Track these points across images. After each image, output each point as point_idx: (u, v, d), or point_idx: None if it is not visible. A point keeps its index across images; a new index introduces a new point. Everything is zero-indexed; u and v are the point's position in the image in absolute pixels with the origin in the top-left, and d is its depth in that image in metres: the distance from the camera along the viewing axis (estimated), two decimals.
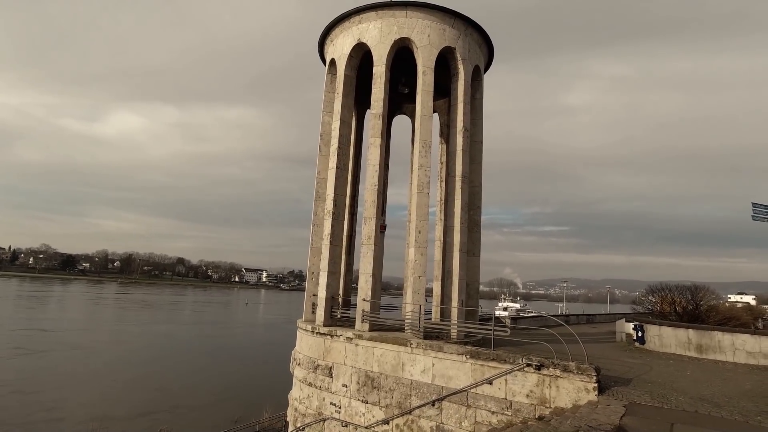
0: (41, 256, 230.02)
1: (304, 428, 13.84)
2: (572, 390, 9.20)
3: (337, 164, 15.46)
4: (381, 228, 19.63)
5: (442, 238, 16.68)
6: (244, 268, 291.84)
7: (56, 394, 33.67)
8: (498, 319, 29.77)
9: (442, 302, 15.10)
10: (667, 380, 11.04)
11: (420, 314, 12.99)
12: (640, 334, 17.81)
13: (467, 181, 15.40)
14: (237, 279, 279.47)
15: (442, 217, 16.75)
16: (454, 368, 11.00)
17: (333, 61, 17.09)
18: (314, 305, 15.30)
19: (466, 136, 15.46)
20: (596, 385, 8.97)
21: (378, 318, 14.09)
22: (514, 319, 31.59)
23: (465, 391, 10.64)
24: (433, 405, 11.08)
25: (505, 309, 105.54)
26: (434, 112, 20.30)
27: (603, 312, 48.47)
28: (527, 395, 9.74)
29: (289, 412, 15.29)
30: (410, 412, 11.47)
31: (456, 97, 15.75)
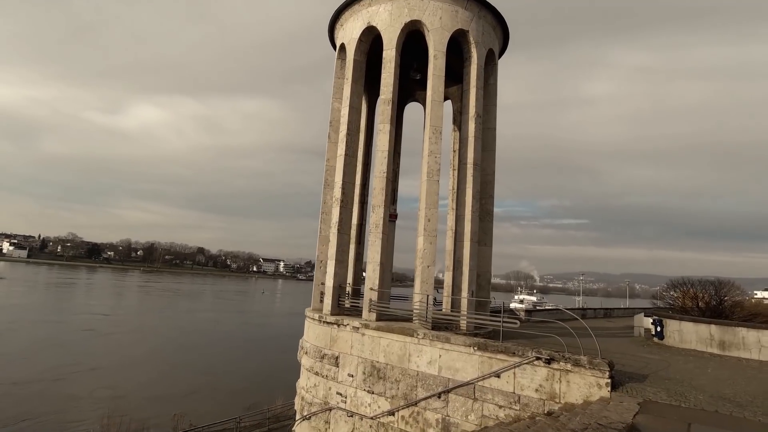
0: (68, 244, 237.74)
1: (310, 417, 13.77)
2: (583, 385, 8.79)
3: (345, 151, 15.16)
4: (391, 217, 19.35)
5: (453, 228, 16.27)
6: (262, 258, 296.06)
7: (118, 374, 36.74)
8: (511, 310, 29.37)
9: (453, 293, 14.74)
10: (686, 377, 10.51)
11: (427, 304, 12.68)
12: (659, 329, 17.16)
13: (479, 169, 14.93)
14: (255, 269, 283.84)
15: (454, 207, 16.33)
16: (461, 360, 10.69)
17: (343, 46, 16.73)
18: (322, 294, 15.15)
19: (479, 123, 14.95)
20: (609, 380, 8.55)
21: (386, 308, 13.86)
22: (528, 312, 31.04)
23: (472, 383, 10.33)
24: (439, 397, 10.81)
25: (522, 302, 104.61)
26: (447, 98, 19.89)
27: (622, 306, 47.35)
28: (536, 390, 9.38)
29: (297, 400, 15.25)
30: (416, 403, 11.23)
31: (468, 82, 15.23)
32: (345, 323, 13.43)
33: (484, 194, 16.03)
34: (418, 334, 11.60)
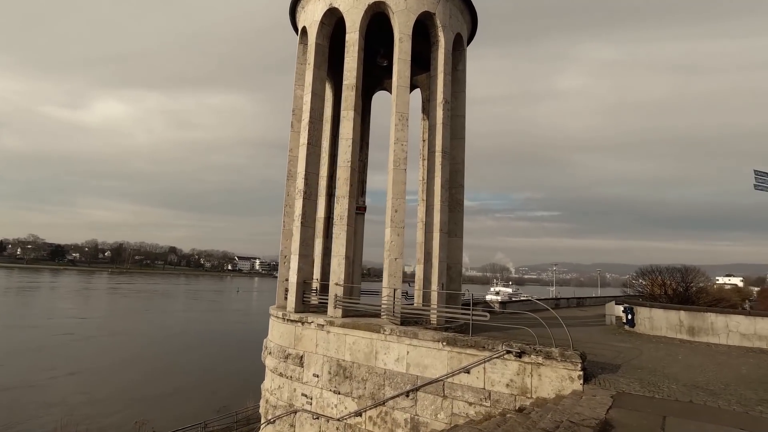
0: (29, 246, 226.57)
1: (274, 421, 13.02)
2: (555, 379, 8.38)
3: (308, 140, 14.37)
4: (359, 209, 18.62)
5: (424, 219, 15.73)
6: (237, 257, 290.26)
7: (95, 378, 35.18)
8: (484, 302, 29.23)
9: (424, 286, 14.20)
10: (658, 366, 10.29)
11: (394, 299, 12.09)
12: (629, 316, 17.13)
13: (448, 158, 14.40)
14: (230, 267, 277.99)
15: (424, 197, 15.78)
16: (429, 356, 10.15)
17: (304, 30, 15.88)
18: (287, 291, 14.37)
19: (447, 109, 14.40)
20: (581, 373, 8.15)
21: (353, 303, 13.19)
22: (503, 303, 30.99)
23: (441, 380, 9.81)
24: (408, 396, 10.26)
25: (498, 294, 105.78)
26: (415, 87, 19.28)
27: (594, 295, 48.22)
28: (507, 385, 8.92)
29: (261, 403, 14.46)
30: (384, 403, 10.64)
31: (436, 68, 14.64)
32: (309, 321, 12.70)
33: (453, 183, 15.53)
34: (384, 330, 11.00)
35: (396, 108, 13.52)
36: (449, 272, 15.10)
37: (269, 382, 13.96)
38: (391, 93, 19.62)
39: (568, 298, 36.89)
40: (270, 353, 13.99)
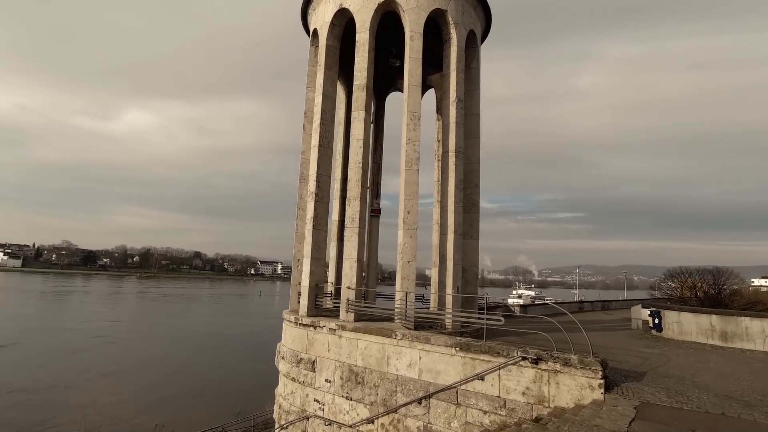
0: (63, 252, 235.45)
1: (287, 426, 12.87)
2: (574, 387, 7.92)
3: (319, 142, 14.24)
4: (373, 211, 18.45)
5: (438, 221, 15.38)
6: (260, 261, 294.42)
7: (126, 380, 36.10)
8: (506, 306, 28.55)
9: (439, 290, 13.84)
10: (688, 373, 9.66)
11: (406, 302, 11.78)
12: (656, 320, 16.34)
13: (462, 157, 14.03)
14: (252, 271, 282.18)
15: (439, 198, 15.44)
16: (442, 362, 9.81)
17: (315, 32, 15.81)
18: (299, 294, 14.24)
19: (460, 107, 14.04)
20: (602, 381, 7.68)
21: (366, 307, 12.94)
22: (524, 307, 30.23)
23: (454, 387, 9.45)
24: (420, 403, 9.93)
25: (520, 297, 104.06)
26: (430, 87, 19.02)
27: (620, 299, 46.64)
28: (523, 393, 8.50)
29: (275, 408, 14.35)
30: (396, 410, 10.34)
31: (448, 66, 14.32)
32: (321, 325, 12.52)
33: (469, 184, 15.15)
34: (396, 335, 10.71)
35: (408, 107, 13.26)
36: (465, 275, 14.70)
37: (282, 387, 13.84)
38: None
39: (592, 302, 35.74)
40: (283, 358, 13.87)
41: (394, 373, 10.62)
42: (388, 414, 10.48)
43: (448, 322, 12.42)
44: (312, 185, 14.08)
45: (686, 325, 15.44)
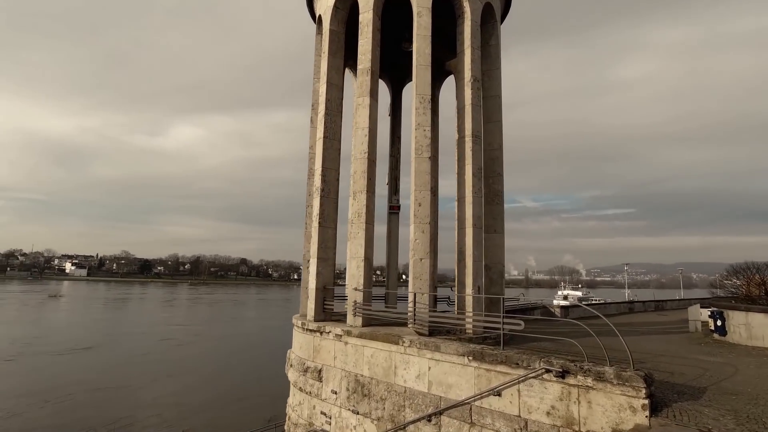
0: (122, 261, 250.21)
1: None
2: (610, 408, 6.39)
3: (325, 133, 13.29)
4: (392, 208, 17.27)
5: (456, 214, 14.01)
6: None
7: (186, 381, 37.18)
8: (546, 307, 26.42)
9: (458, 290, 12.47)
10: (762, 390, 7.78)
11: (415, 304, 10.53)
12: (719, 322, 14.10)
13: (480, 143, 12.60)
14: (296, 276, 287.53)
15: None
16: (453, 373, 8.48)
17: (320, 19, 14.90)
18: (307, 298, 13.30)
19: (476, 88, 12.64)
20: (646, 401, 6.11)
21: (379, 311, 11.79)
22: (565, 308, 27.94)
23: (467, 403, 8.10)
24: (430, 420, 8.64)
25: (566, 297, 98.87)
26: (450, 73, 17.63)
27: (676, 298, 42.71)
28: (548, 413, 7.03)
29: (286, 420, 13.45)
30: (404, 427, 9.10)
31: (462, 42, 12.98)
32: (327, 330, 11.49)
33: (490, 172, 13.69)
34: (403, 342, 9.48)
35: (416, 89, 12.04)
36: (488, 273, 13.24)
37: (291, 397, 12.92)
38: None
39: (644, 302, 32.68)
40: (291, 366, 12.97)
41: (402, 385, 9.39)
42: (396, 431, 9.25)
43: (469, 326, 11.04)
44: (317, 180, 13.13)
45: (757, 329, 13.15)
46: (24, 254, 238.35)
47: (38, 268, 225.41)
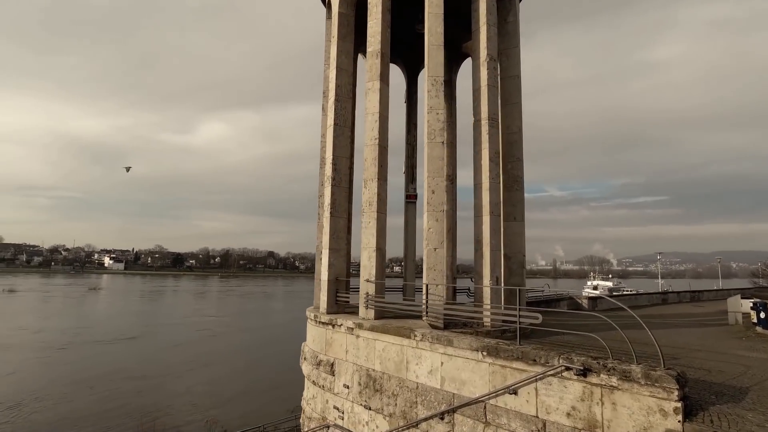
0: (156, 255, 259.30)
1: None
2: (638, 410, 5.78)
3: (335, 120, 12.87)
4: (409, 197, 16.78)
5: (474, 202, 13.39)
6: None
7: (219, 371, 37.90)
8: (572, 298, 25.39)
9: (475, 281, 11.92)
10: None
11: (427, 296, 10.07)
12: (763, 314, 13.02)
13: (496, 125, 11.92)
14: None
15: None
16: (467, 369, 7.99)
17: (329, 2, 14.43)
18: (320, 290, 13.02)
19: (492, 68, 11.93)
20: (679, 404, 5.47)
21: (390, 303, 11.38)
22: (593, 300, 26.82)
23: (482, 401, 7.61)
24: (443, 418, 8.20)
25: (596, 288, 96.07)
26: (467, 55, 16.89)
27: (714, 288, 40.55)
28: (568, 414, 6.47)
29: (302, 413, 13.29)
30: (417, 425, 8.70)
31: (477, 19, 12.25)
32: (339, 323, 11.17)
33: (509, 157, 12.99)
34: (415, 335, 9.04)
35: (429, 71, 11.46)
36: (508, 263, 12.62)
37: (306, 391, 12.73)
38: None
39: (678, 292, 31.07)
40: (305, 359, 12.76)
41: (414, 381, 8.98)
42: (408, 429, 8.87)
43: (486, 320, 10.49)
44: (328, 169, 12.76)
45: None
46: (67, 249, 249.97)
47: (80, 263, 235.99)
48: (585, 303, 23.87)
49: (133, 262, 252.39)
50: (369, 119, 11.84)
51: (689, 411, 5.63)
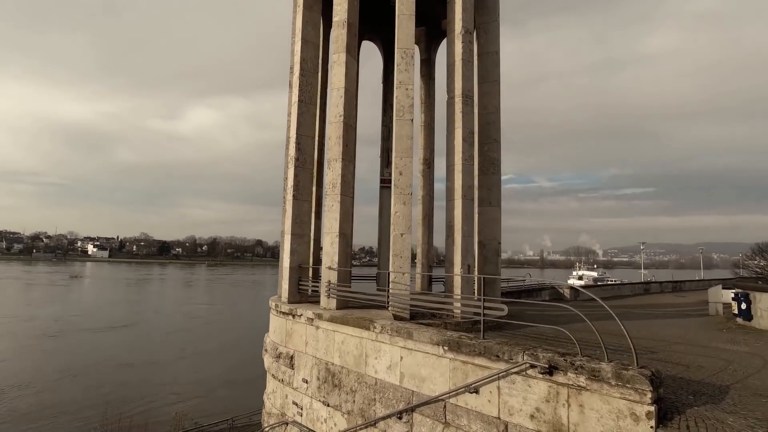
0: (142, 243, 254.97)
1: (267, 431, 11.01)
2: (607, 414, 5.12)
3: (300, 96, 11.95)
4: (383, 182, 15.98)
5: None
6: None
7: (209, 359, 37.32)
8: (554, 288, 24.94)
9: (446, 269, 11.21)
10: None
11: (388, 284, 9.34)
12: (743, 305, 12.59)
13: (471, 103, 11.11)
14: None
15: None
16: (427, 365, 7.30)
17: None
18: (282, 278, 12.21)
19: (467, 41, 11.07)
20: (652, 407, 4.81)
21: (352, 292, 10.63)
22: (575, 290, 26.46)
23: (442, 400, 6.93)
24: (400, 418, 7.51)
25: (581, 278, 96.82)
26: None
27: (696, 278, 40.68)
28: (531, 416, 5.81)
29: (263, 409, 12.57)
30: (375, 424, 8.01)
31: None
32: (299, 313, 10.41)
33: (485, 138, 12.24)
34: (375, 327, 8.32)
35: (398, 43, 10.60)
36: (483, 251, 11.95)
37: (267, 385, 12.00)
38: (418, 45, 16.65)
39: (660, 282, 30.96)
40: (266, 350, 12.00)
41: (373, 377, 8.27)
42: (366, 427, 8.19)
43: (457, 311, 9.79)
44: (292, 148, 11.87)
45: None
46: (48, 237, 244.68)
47: (62, 250, 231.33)
48: (567, 293, 23.46)
49: (118, 250, 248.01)
50: (334, 95, 10.96)
51: (663, 415, 4.99)
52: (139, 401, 27.17)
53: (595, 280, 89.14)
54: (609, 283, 58.98)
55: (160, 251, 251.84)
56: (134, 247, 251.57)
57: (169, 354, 38.50)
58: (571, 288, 26.09)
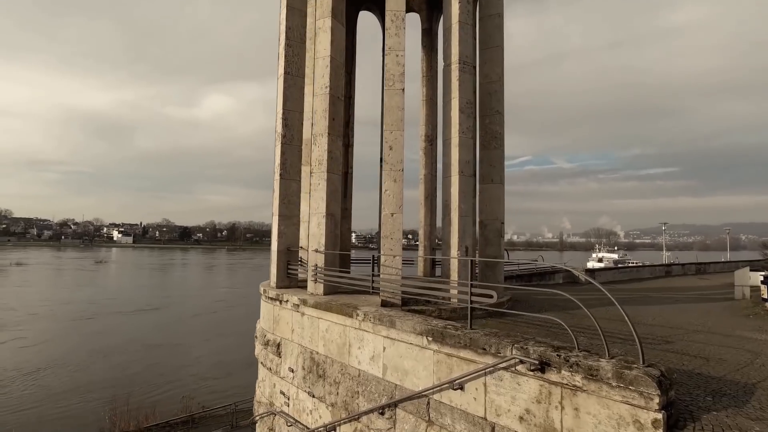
0: (164, 229, 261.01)
1: (257, 420, 10.60)
2: (606, 420, 4.35)
3: (286, 68, 11.15)
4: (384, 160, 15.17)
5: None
6: None
7: (230, 341, 37.23)
8: (569, 271, 23.89)
9: (443, 251, 10.43)
10: None
11: (373, 267, 8.65)
12: None
13: (470, 71, 10.13)
14: None
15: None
16: (410, 357, 6.61)
17: None
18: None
19: (466, 1, 10.04)
20: (659, 415, 4.01)
21: (346, 277, 9.95)
22: (591, 272, 25.33)
23: (425, 395, 6.25)
24: (383, 413, 6.88)
25: (600, 260, 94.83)
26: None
27: (722, 260, 38.80)
28: (521, 417, 5.08)
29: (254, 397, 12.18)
30: (358, 418, 7.42)
31: None
32: (286, 299, 9.83)
33: (487, 110, 11.25)
34: (358, 315, 7.65)
35: (388, 6, 9.64)
36: (484, 231, 11.11)
37: (258, 373, 11.56)
38: (419, 13, 15.58)
39: (683, 264, 29.49)
40: (256, 337, 11.53)
41: (356, 367, 7.64)
42: (350, 422, 7.60)
43: (454, 298, 9.04)
44: (279, 124, 11.13)
45: None
46: (76, 223, 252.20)
47: (89, 236, 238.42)
48: (582, 277, 22.36)
49: (141, 236, 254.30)
50: (319, 64, 10.12)
51: (674, 423, 4.19)
52: (159, 381, 27.85)
53: (616, 262, 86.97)
54: (630, 265, 57.22)
55: (182, 237, 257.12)
56: (156, 232, 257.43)
57: (195, 337, 39.48)
58: (587, 270, 24.98)
